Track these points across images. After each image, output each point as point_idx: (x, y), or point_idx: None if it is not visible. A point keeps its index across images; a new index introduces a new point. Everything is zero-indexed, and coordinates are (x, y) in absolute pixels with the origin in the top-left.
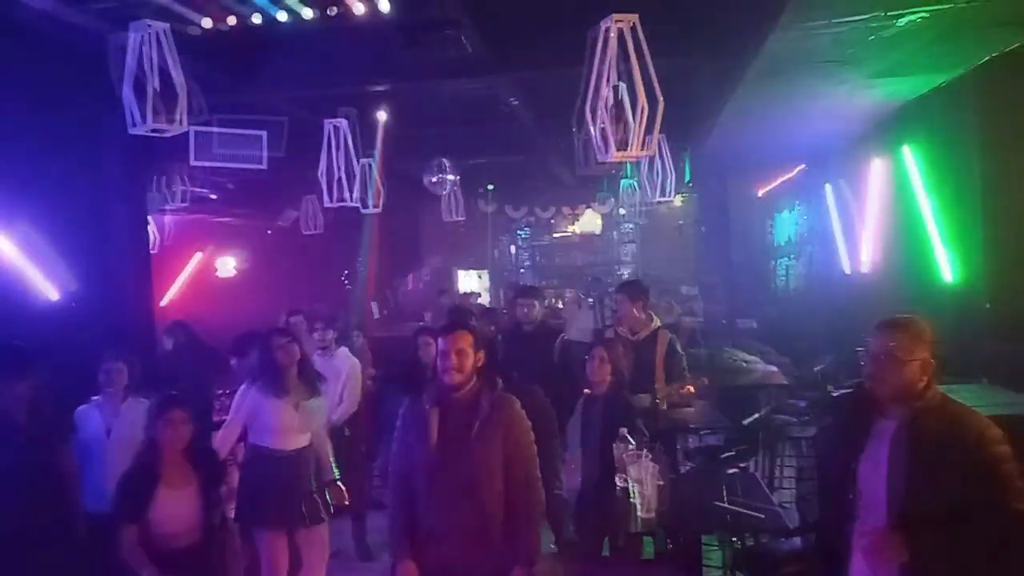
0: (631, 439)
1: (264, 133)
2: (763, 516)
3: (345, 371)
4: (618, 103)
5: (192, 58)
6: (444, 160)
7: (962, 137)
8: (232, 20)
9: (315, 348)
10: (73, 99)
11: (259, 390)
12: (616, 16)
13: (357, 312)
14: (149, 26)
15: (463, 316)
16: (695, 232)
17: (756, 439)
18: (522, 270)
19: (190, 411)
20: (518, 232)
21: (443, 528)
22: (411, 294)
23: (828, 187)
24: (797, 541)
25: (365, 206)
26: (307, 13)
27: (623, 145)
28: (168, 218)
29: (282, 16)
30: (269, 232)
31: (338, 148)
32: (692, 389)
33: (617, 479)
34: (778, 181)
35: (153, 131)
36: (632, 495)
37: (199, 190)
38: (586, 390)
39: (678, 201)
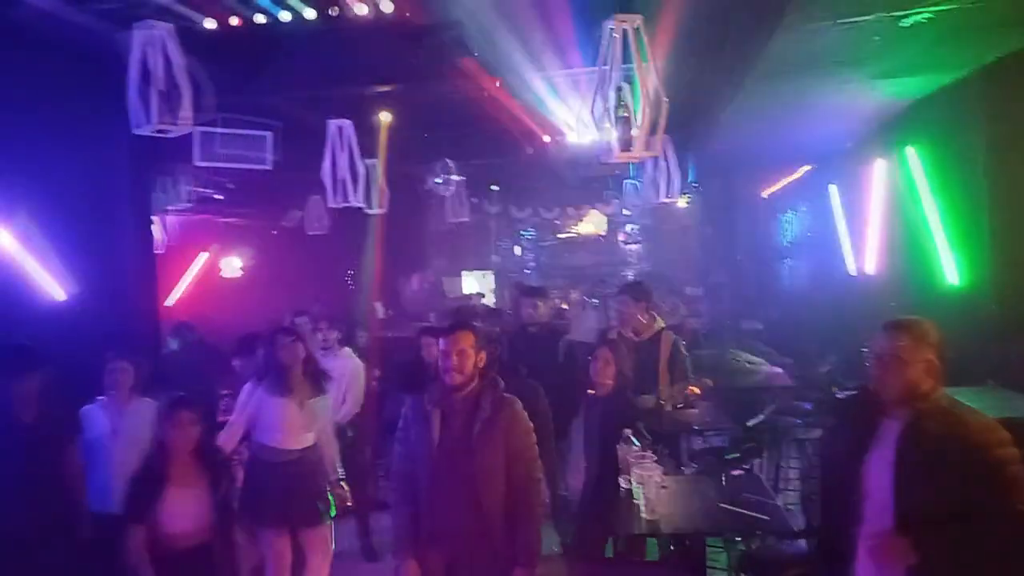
0: (635, 440)
1: (269, 134)
2: (768, 518)
3: (348, 372)
4: (622, 104)
5: (195, 58)
6: (448, 161)
7: (967, 138)
8: (235, 21)
9: (318, 348)
10: (78, 99)
11: (263, 389)
12: (619, 17)
13: (362, 312)
14: (153, 27)
15: (467, 316)
16: (700, 233)
17: (761, 440)
18: (526, 270)
19: (198, 412)
20: (522, 233)
21: (444, 528)
22: (416, 295)
23: (833, 188)
24: (802, 543)
25: (370, 206)
26: (310, 14)
27: (627, 146)
28: (173, 218)
29: (285, 17)
30: (274, 232)
31: (342, 148)
32: (697, 390)
33: (621, 480)
34: (783, 182)
35: (157, 131)
36: (636, 496)
37: (204, 190)
38: (590, 391)
39: (683, 202)
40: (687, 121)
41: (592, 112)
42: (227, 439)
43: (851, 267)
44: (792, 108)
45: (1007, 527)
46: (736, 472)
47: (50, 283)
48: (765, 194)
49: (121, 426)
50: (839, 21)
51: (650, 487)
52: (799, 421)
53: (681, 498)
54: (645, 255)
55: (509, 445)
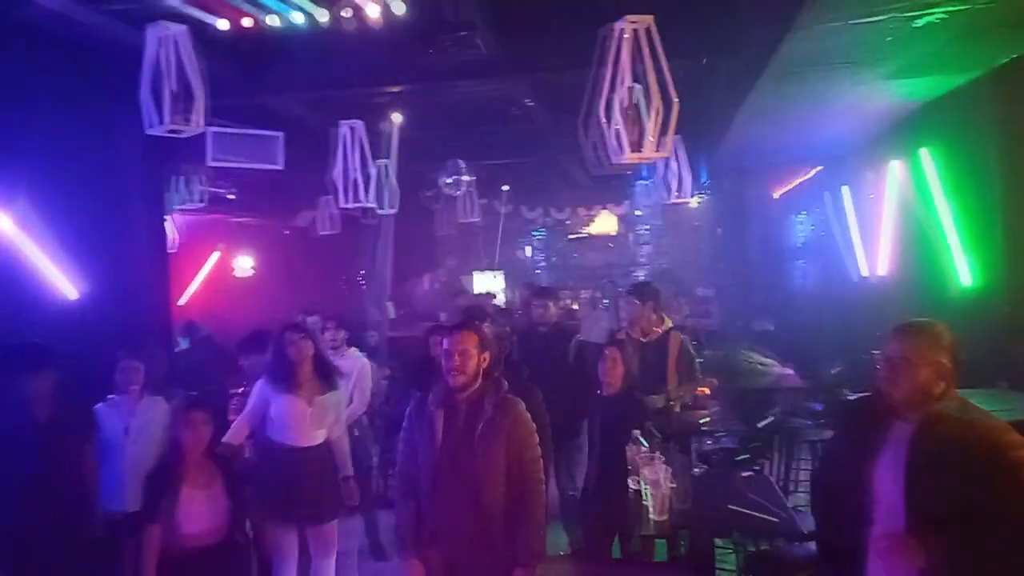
0: (644, 441)
1: (280, 134)
2: (776, 519)
3: (356, 371)
4: (633, 104)
5: (208, 59)
6: (459, 161)
7: (981, 139)
8: (248, 22)
9: (326, 348)
10: (91, 99)
11: (271, 385)
12: (630, 17)
13: (373, 312)
14: (167, 27)
15: (476, 316)
16: (711, 233)
17: (771, 442)
18: (537, 271)
19: (210, 411)
20: (533, 233)
21: (447, 528)
22: (427, 295)
23: (845, 189)
24: (811, 545)
25: (381, 207)
26: (322, 15)
27: (638, 146)
28: (185, 217)
29: (297, 18)
30: (287, 232)
31: (354, 149)
32: (707, 391)
33: (630, 481)
34: (795, 183)
35: (170, 131)
36: (645, 497)
37: (217, 190)
38: (598, 391)
39: (694, 202)
40: (699, 122)
41: (603, 112)
42: (234, 433)
43: (863, 269)
44: (804, 109)
45: (1018, 529)
46: (746, 473)
47: (63, 281)
48: (777, 195)
49: (132, 425)
50: (852, 21)
51: (659, 487)
52: (810, 422)
53: (690, 499)
54: (656, 256)
55: (511, 446)
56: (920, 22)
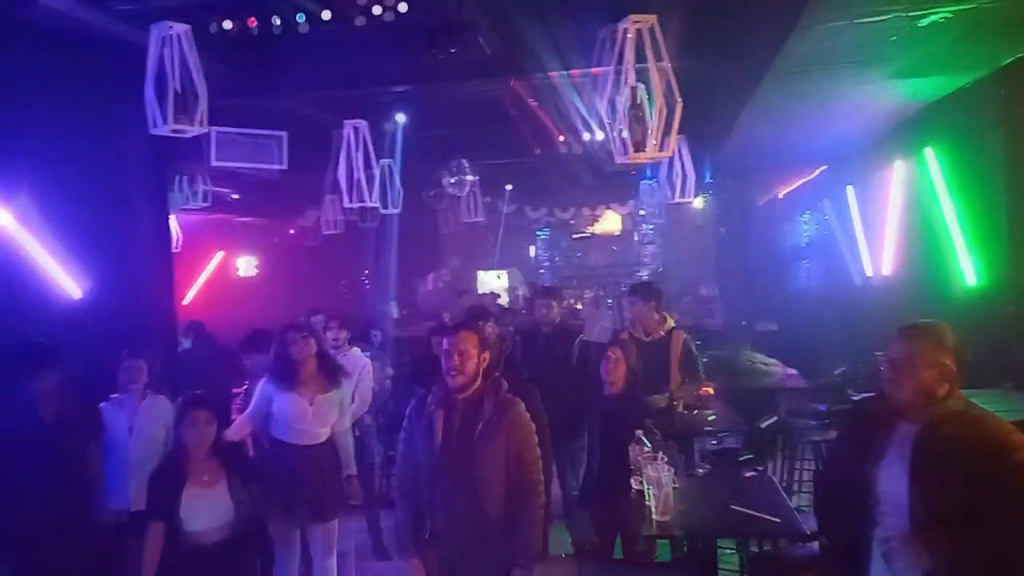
0: (647, 440)
1: (284, 134)
2: (779, 520)
3: (357, 371)
4: (636, 104)
5: (212, 59)
6: (463, 161)
7: (986, 139)
8: (252, 22)
9: (328, 348)
10: (95, 98)
11: (273, 384)
12: (634, 17)
13: (377, 312)
14: (171, 27)
15: (478, 316)
16: (715, 233)
17: (774, 442)
18: (541, 271)
19: (213, 410)
20: (537, 233)
21: (446, 528)
22: (431, 294)
23: (849, 189)
24: (814, 545)
25: (385, 207)
26: (325, 15)
27: (640, 146)
28: (190, 217)
29: (301, 18)
30: (291, 232)
31: (358, 149)
32: (711, 390)
33: (633, 481)
34: (799, 182)
35: (174, 131)
36: (648, 497)
37: (221, 189)
38: (601, 390)
39: (698, 202)
40: (702, 121)
41: (606, 112)
42: (236, 429)
43: (868, 269)
44: (808, 108)
45: (1022, 530)
46: (749, 473)
47: (66, 281)
48: (781, 195)
49: (136, 424)
50: (856, 21)
51: (662, 487)
52: (813, 423)
53: (692, 499)
54: (660, 255)
55: (510, 446)
56: (924, 22)
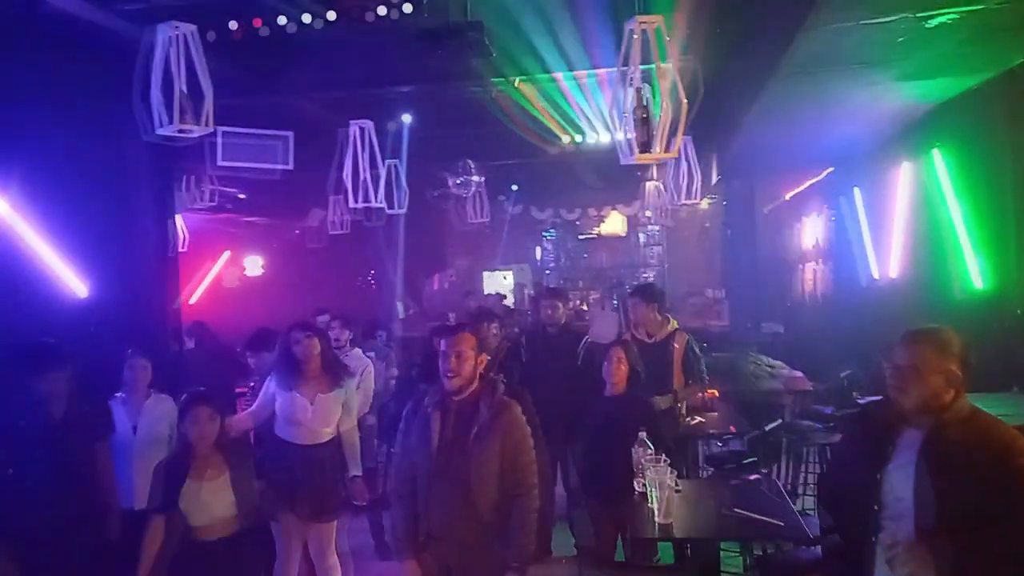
0: (649, 443)
1: (290, 134)
2: (782, 523)
3: (359, 372)
4: (642, 105)
5: (217, 59)
6: (469, 161)
7: (993, 140)
8: (257, 23)
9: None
10: (100, 98)
11: (276, 382)
12: (641, 17)
13: (383, 312)
14: (176, 27)
15: (482, 318)
16: (721, 235)
17: (779, 445)
18: (547, 271)
19: (215, 407)
20: (543, 234)
21: (441, 530)
22: (436, 294)
23: (856, 191)
24: (818, 549)
25: (391, 207)
26: (331, 16)
27: (646, 147)
28: (195, 217)
29: (306, 19)
30: (297, 232)
31: (363, 149)
32: (715, 393)
33: (635, 483)
34: (806, 184)
35: (179, 132)
36: (650, 499)
37: (227, 189)
38: (602, 391)
39: (705, 204)
40: (709, 122)
41: (611, 113)
42: (238, 423)
43: (875, 271)
44: (815, 110)
45: None
46: (753, 476)
47: (72, 280)
48: (788, 196)
49: (140, 423)
50: (863, 22)
51: (664, 490)
52: (819, 426)
53: (695, 502)
54: (666, 257)
55: (506, 449)
56: (932, 23)
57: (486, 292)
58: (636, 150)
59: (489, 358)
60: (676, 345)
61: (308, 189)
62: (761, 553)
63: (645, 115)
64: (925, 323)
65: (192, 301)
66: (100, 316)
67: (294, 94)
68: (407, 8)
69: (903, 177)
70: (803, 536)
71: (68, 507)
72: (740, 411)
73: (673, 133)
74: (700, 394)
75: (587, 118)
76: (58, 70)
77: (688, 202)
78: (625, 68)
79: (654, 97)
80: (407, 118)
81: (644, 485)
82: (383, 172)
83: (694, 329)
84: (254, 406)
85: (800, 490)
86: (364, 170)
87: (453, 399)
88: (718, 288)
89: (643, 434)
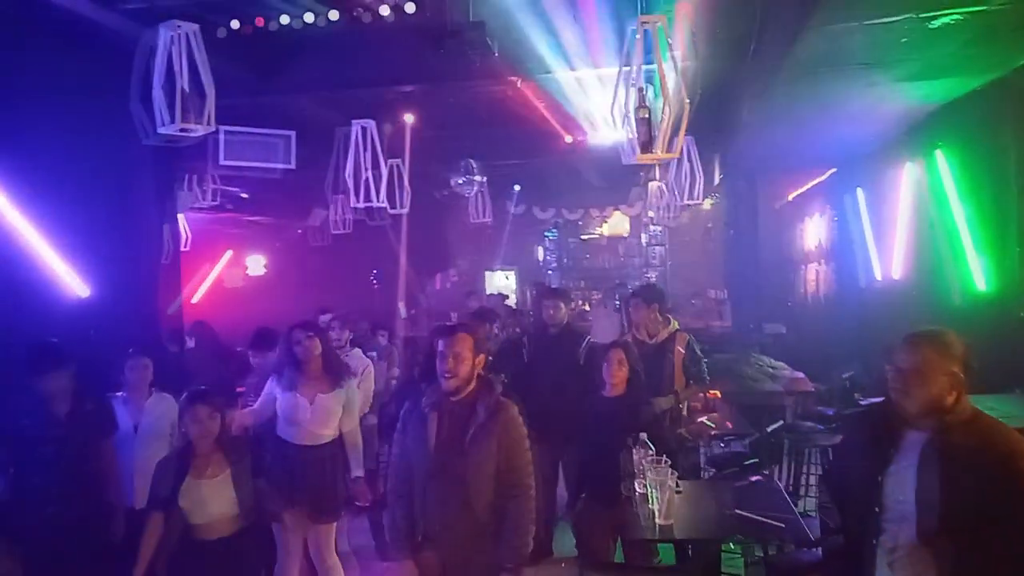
0: (650, 444)
1: (292, 133)
2: (783, 525)
3: (360, 372)
4: (644, 105)
5: (219, 58)
6: (471, 161)
7: (997, 142)
8: (260, 22)
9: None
10: (102, 97)
11: (277, 382)
12: (643, 17)
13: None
14: (179, 26)
15: (487, 317)
16: (724, 235)
17: (781, 446)
18: (549, 271)
19: (215, 405)
20: (546, 234)
21: (438, 530)
22: (439, 294)
23: (860, 192)
24: (819, 551)
25: (393, 206)
26: (333, 15)
27: (647, 147)
28: (198, 216)
29: (309, 18)
30: (300, 231)
31: (366, 149)
32: (718, 394)
33: (636, 484)
34: (809, 185)
35: (181, 131)
36: (651, 500)
37: (231, 188)
38: (602, 391)
39: (707, 204)
40: (712, 123)
41: (613, 113)
42: (241, 418)
43: (877, 272)
44: (818, 110)
45: None
46: (755, 477)
47: (73, 280)
48: (791, 197)
49: (142, 422)
50: (866, 22)
51: (665, 491)
52: (821, 427)
53: (696, 503)
54: (669, 257)
55: (501, 450)
56: (936, 23)
57: (488, 292)
58: (637, 150)
59: (489, 358)
60: (677, 346)
61: (311, 188)
62: (763, 554)
63: (647, 115)
64: (927, 325)
65: (194, 300)
66: (101, 315)
67: (297, 93)
68: (409, 8)
69: (906, 178)
70: (804, 538)
71: (72, 506)
72: (742, 412)
73: (675, 133)
74: (702, 395)
75: (590, 118)
76: (61, 69)
77: (691, 202)
78: (627, 67)
79: (656, 97)
80: (409, 117)
81: (645, 486)
82: (385, 172)
83: (696, 330)
84: (256, 404)
85: (802, 491)
86: (366, 169)
87: (450, 399)
88: (720, 289)
89: (644, 435)
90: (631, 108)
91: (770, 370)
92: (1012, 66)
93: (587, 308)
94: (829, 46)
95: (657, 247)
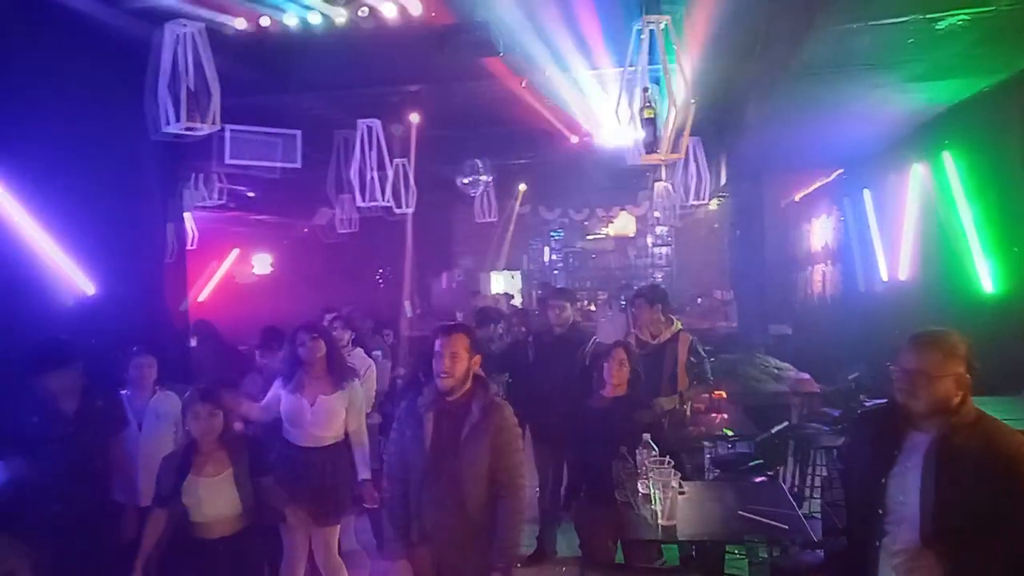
0: (653, 444)
1: (298, 132)
2: (787, 526)
3: (361, 372)
4: (649, 106)
5: (225, 58)
6: (477, 161)
7: (1004, 143)
8: (266, 22)
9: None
10: (108, 96)
11: (281, 383)
12: (648, 17)
13: (391, 310)
14: (184, 26)
15: (490, 317)
16: (730, 236)
17: (786, 447)
18: (555, 271)
19: (217, 403)
20: (551, 234)
21: (433, 530)
22: (443, 293)
23: (866, 193)
24: (821, 552)
25: (399, 206)
26: (339, 15)
27: (653, 148)
28: (204, 215)
29: (314, 18)
30: (306, 230)
31: (371, 148)
32: (723, 394)
33: (639, 485)
34: (815, 185)
35: (186, 130)
36: (654, 501)
37: (237, 187)
38: (603, 391)
39: (713, 205)
40: (718, 123)
41: (618, 113)
42: (248, 410)
43: (884, 273)
44: (824, 111)
45: None
46: (760, 479)
47: (79, 277)
48: (797, 197)
49: (146, 420)
50: (872, 23)
51: (667, 492)
52: (826, 428)
53: (700, 504)
54: (674, 258)
55: (495, 449)
56: (942, 24)
57: (493, 292)
58: (642, 150)
59: (483, 356)
60: (679, 346)
61: (317, 187)
62: (767, 556)
63: (652, 115)
64: (933, 326)
65: (201, 299)
66: (107, 313)
67: (302, 93)
68: (415, 8)
69: (913, 179)
70: (807, 539)
71: (81, 502)
72: (747, 413)
73: (680, 133)
74: (706, 395)
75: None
76: (66, 67)
77: (696, 203)
78: (632, 68)
79: (661, 97)
80: (415, 117)
81: (648, 487)
82: (391, 171)
83: (702, 330)
84: (263, 401)
85: (807, 493)
86: (371, 169)
87: (446, 399)
88: (726, 289)
89: (647, 436)
90: (636, 109)
91: (775, 371)
92: (1019, 67)
93: (593, 308)
94: (835, 47)
95: (663, 247)
